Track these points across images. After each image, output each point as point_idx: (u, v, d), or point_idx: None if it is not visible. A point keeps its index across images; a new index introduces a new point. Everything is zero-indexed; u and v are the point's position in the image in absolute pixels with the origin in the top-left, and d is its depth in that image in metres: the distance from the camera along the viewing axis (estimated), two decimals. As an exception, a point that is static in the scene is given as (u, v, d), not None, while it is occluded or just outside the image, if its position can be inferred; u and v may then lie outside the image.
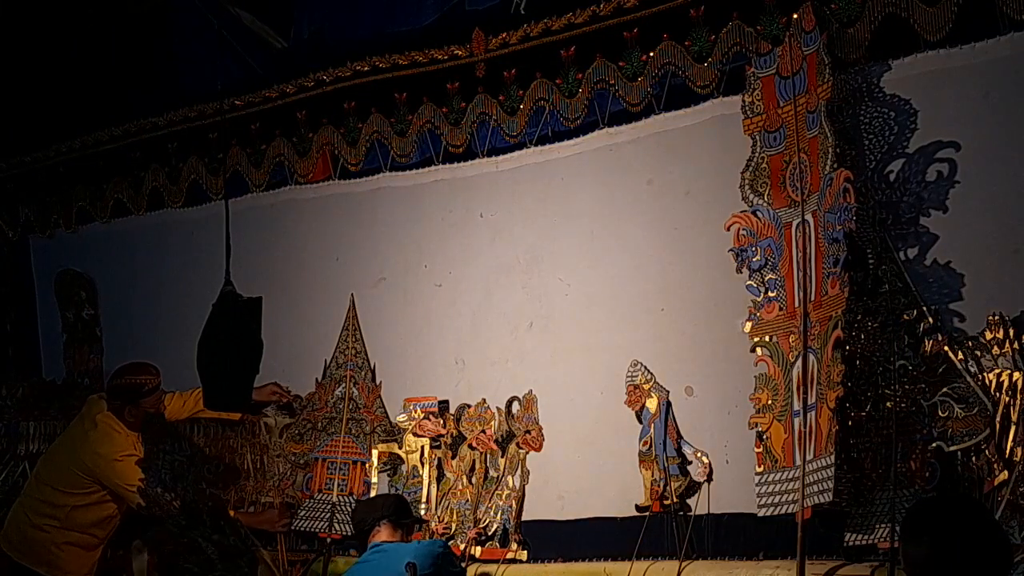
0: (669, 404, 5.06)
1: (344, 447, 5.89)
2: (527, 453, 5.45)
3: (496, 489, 5.44)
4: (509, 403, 5.52)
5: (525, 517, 5.48)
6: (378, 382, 5.97)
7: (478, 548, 5.41)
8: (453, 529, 5.48)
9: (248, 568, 5.17)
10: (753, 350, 4.68)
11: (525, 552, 5.38)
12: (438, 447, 5.67)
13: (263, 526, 5.97)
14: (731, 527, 4.85)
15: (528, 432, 5.43)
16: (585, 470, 5.32)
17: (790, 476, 4.47)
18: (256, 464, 6.18)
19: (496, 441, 5.49)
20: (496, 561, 5.36)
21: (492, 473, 5.51)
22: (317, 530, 5.82)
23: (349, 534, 5.76)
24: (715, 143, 5.05)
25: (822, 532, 4.46)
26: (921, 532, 2.80)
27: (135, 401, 5.82)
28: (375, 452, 5.81)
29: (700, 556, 4.89)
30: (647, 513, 5.00)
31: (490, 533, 5.43)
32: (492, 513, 5.41)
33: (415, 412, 5.68)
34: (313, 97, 6.23)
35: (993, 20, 4.36)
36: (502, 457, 5.48)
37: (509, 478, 5.45)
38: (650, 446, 5.02)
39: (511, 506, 5.40)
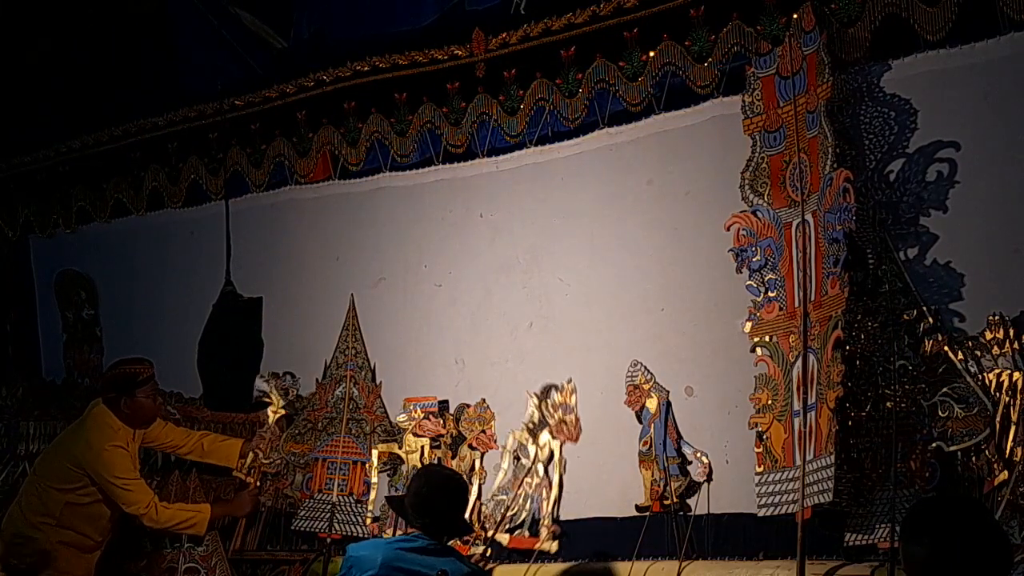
0: (669, 404, 5.06)
1: (344, 447, 5.89)
2: (562, 443, 5.34)
3: (525, 477, 5.36)
4: (546, 390, 5.39)
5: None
6: (378, 382, 5.97)
7: (505, 536, 5.33)
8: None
9: None
10: (753, 350, 4.68)
11: (556, 543, 5.27)
12: (438, 447, 5.66)
13: (235, 512, 5.95)
14: (731, 527, 4.85)
15: (563, 422, 5.31)
16: (585, 470, 5.32)
17: (790, 476, 4.46)
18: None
19: (528, 429, 5.39)
20: (525, 551, 5.27)
21: (524, 461, 5.40)
22: (317, 530, 5.81)
23: (349, 534, 5.76)
24: (715, 143, 5.05)
25: (822, 532, 4.45)
26: (921, 532, 2.79)
27: (130, 391, 5.79)
28: (375, 452, 5.80)
29: (700, 556, 4.89)
30: (647, 513, 5.00)
31: (519, 522, 5.33)
32: (520, 501, 5.33)
33: (415, 412, 5.67)
34: (313, 97, 6.23)
35: (993, 20, 4.37)
36: (533, 444, 5.38)
37: (539, 466, 5.35)
38: (650, 446, 5.02)
39: (540, 495, 5.33)
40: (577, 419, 5.33)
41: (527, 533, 5.32)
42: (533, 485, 5.35)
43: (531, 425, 5.40)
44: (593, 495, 5.28)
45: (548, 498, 5.32)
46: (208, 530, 5.79)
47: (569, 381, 5.36)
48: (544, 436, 5.37)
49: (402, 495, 4.95)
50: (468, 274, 5.83)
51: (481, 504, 5.44)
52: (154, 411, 5.94)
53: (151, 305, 6.99)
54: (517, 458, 5.43)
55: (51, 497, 5.71)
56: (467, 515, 5.07)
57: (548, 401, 5.38)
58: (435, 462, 5.57)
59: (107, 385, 5.88)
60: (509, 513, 5.34)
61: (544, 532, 5.29)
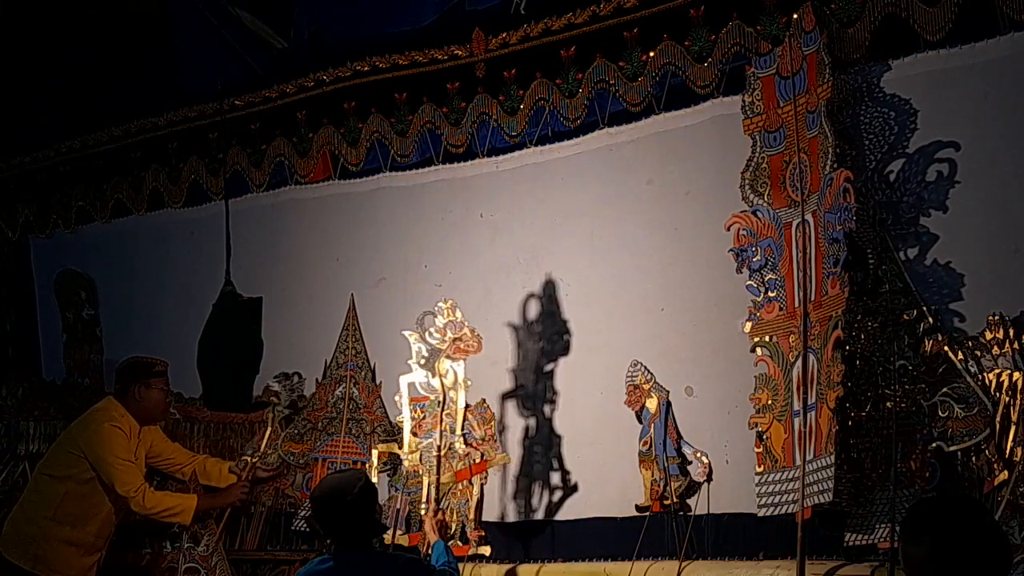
0: (669, 404, 5.06)
1: (344, 447, 5.89)
2: (465, 359, 5.17)
3: (442, 412, 5.17)
4: (421, 320, 5.19)
5: (514, 518, 5.49)
6: (378, 382, 5.97)
7: (450, 473, 5.16)
8: (452, 528, 5.46)
9: None
10: (753, 350, 4.68)
11: (501, 456, 5.22)
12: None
13: (221, 504, 5.89)
14: (731, 527, 4.85)
15: (457, 340, 5.14)
16: (585, 470, 5.32)
17: (790, 476, 4.46)
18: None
19: (420, 365, 5.18)
20: (477, 474, 5.22)
21: (433, 397, 5.21)
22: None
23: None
24: (715, 143, 5.05)
25: (822, 532, 4.45)
26: (921, 532, 2.79)
27: (146, 379, 5.77)
28: (375, 452, 5.79)
29: (700, 556, 4.89)
30: (647, 513, 5.00)
31: (456, 454, 5.19)
32: (449, 434, 5.17)
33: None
34: (313, 97, 6.23)
35: (993, 20, 4.37)
36: (434, 376, 5.17)
37: (452, 394, 5.18)
38: (650, 446, 5.02)
39: (459, 421, 5.19)
40: (473, 329, 5.18)
41: (472, 460, 5.19)
42: (455, 413, 5.21)
43: (421, 361, 5.20)
44: (593, 495, 5.28)
45: (458, 417, 5.19)
46: (193, 521, 5.74)
47: (445, 301, 5.19)
48: (444, 364, 5.17)
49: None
50: (468, 274, 5.83)
51: (420, 454, 5.25)
52: (163, 408, 5.92)
53: (151, 305, 6.99)
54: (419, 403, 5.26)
55: (50, 488, 5.69)
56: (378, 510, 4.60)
57: (430, 329, 5.18)
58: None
59: (121, 374, 5.86)
60: (443, 453, 5.16)
61: (473, 449, 5.18)
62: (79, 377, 7.26)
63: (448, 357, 5.18)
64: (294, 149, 6.36)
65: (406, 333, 5.21)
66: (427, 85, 5.84)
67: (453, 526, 5.38)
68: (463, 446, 5.20)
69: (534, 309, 5.59)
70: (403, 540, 5.53)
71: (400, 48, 5.89)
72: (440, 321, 5.17)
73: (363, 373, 5.98)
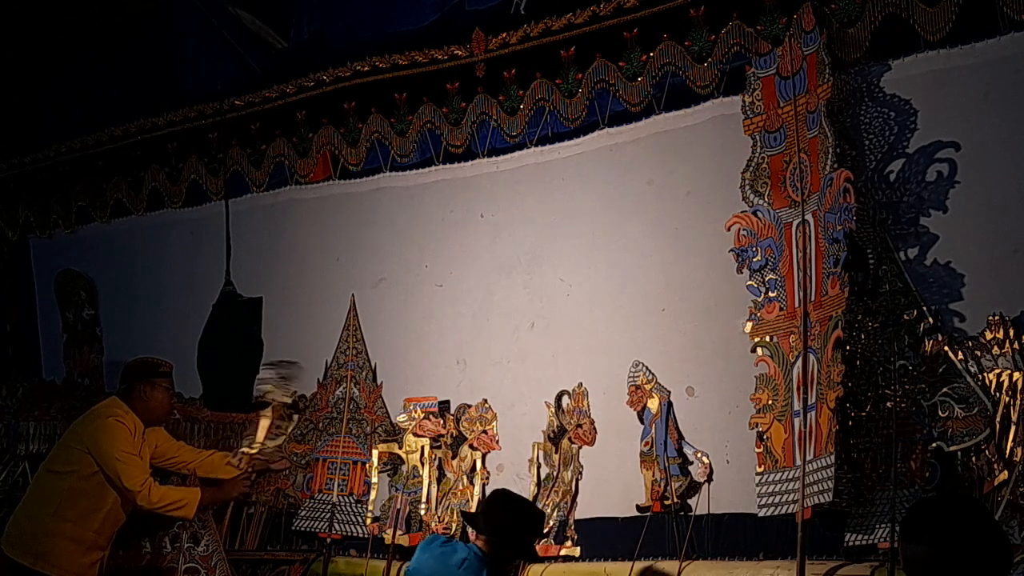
0: (670, 404, 5.06)
1: (344, 447, 5.89)
2: (580, 448, 5.33)
3: (553, 486, 5.33)
4: (559, 397, 5.38)
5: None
6: (379, 382, 5.97)
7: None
8: (453, 529, 5.47)
9: None
10: (753, 350, 4.68)
11: (578, 549, 5.25)
12: (438, 447, 5.66)
13: (225, 497, 5.88)
14: (731, 527, 4.85)
15: (579, 426, 5.31)
16: (586, 470, 5.32)
17: (790, 476, 4.47)
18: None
19: (549, 438, 5.37)
20: (550, 559, 5.24)
21: (546, 470, 5.37)
22: (317, 530, 5.81)
23: (349, 534, 5.76)
24: (715, 143, 5.06)
25: (822, 532, 4.46)
26: (921, 532, 2.79)
27: (151, 378, 5.76)
28: (375, 452, 5.80)
29: (700, 556, 4.89)
30: (648, 513, 5.00)
31: (545, 531, 5.24)
32: (548, 510, 5.27)
33: (415, 412, 5.67)
34: (313, 97, 6.24)
35: (993, 20, 4.38)
36: (556, 453, 5.35)
37: (565, 474, 5.33)
38: (651, 446, 5.02)
39: (567, 502, 5.30)
40: (592, 422, 5.32)
41: (552, 541, 5.27)
42: (560, 493, 5.32)
43: (551, 434, 5.37)
44: (594, 495, 5.28)
45: (571, 505, 5.30)
46: (196, 513, 5.73)
47: (579, 386, 5.35)
48: (564, 443, 5.34)
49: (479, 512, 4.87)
50: (469, 274, 5.83)
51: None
52: (167, 409, 5.90)
53: (151, 305, 6.99)
54: (539, 467, 5.40)
55: (53, 484, 5.67)
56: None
57: (562, 408, 5.37)
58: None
59: (128, 374, 5.85)
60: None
61: (569, 539, 5.26)
62: (79, 377, 7.26)
63: (570, 439, 5.34)
64: (294, 149, 6.37)
65: (547, 403, 5.35)
66: (427, 85, 5.84)
67: (454, 526, 5.38)
68: (572, 530, 5.29)
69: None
70: (403, 540, 5.54)
71: (400, 48, 5.89)
72: (569, 403, 5.35)
73: (363, 373, 5.98)
